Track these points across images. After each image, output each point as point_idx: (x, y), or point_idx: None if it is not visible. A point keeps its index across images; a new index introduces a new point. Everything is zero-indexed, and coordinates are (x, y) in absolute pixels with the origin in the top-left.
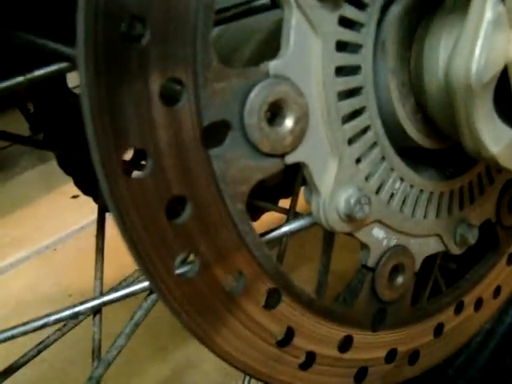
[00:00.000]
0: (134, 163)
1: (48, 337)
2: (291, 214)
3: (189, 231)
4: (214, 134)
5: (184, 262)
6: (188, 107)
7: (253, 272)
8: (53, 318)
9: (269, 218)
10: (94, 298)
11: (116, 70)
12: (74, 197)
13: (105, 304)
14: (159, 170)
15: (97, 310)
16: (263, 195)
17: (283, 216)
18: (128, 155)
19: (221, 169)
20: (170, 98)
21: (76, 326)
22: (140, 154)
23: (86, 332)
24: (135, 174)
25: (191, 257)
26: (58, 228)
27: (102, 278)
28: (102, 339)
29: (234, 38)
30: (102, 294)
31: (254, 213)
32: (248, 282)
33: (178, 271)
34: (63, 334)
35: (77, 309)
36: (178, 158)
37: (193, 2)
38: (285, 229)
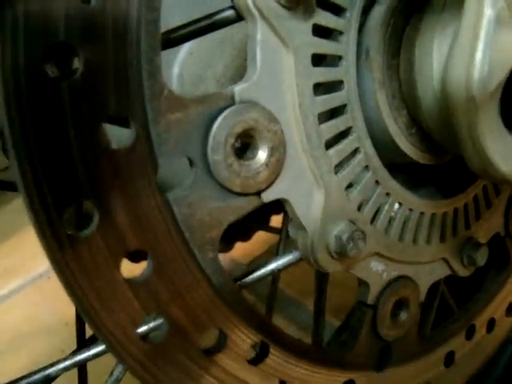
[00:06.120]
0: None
1: None
2: (281, 248)
3: (152, 290)
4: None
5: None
6: (139, 146)
7: (233, 327)
8: (24, 382)
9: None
10: (65, 359)
11: (45, 113)
12: None
13: (76, 365)
14: (108, 225)
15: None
16: (252, 213)
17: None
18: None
19: (184, 214)
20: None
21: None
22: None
23: None
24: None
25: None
26: None
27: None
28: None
29: (207, 53)
30: (74, 352)
31: (245, 233)
32: (228, 338)
33: (140, 332)
34: None
35: (47, 371)
36: (131, 207)
37: (132, 17)
38: (271, 266)
